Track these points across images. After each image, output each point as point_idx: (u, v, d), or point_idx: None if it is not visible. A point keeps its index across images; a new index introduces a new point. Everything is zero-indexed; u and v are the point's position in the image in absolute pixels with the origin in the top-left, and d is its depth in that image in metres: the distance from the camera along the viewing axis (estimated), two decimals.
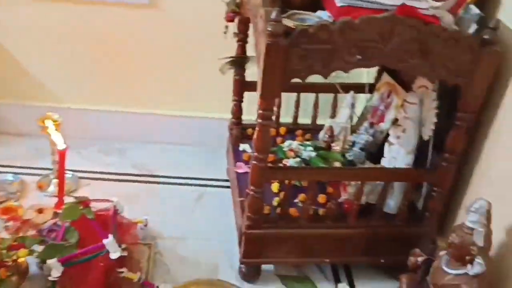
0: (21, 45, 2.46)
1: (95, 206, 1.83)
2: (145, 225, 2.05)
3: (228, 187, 2.33)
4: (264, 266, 1.88)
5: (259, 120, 1.58)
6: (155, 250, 1.97)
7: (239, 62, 2.07)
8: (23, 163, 2.42)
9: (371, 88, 2.14)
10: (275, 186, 1.92)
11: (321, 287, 1.87)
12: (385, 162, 1.83)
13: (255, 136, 1.63)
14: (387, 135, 1.87)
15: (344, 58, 1.46)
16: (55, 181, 2.28)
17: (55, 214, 2.03)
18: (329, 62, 1.46)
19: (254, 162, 1.64)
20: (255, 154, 1.63)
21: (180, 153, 2.58)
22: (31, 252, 1.77)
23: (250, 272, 1.85)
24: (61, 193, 2.13)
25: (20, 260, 1.78)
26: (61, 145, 2.09)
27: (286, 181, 1.83)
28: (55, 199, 2.17)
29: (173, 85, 2.52)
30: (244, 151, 2.14)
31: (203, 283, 1.77)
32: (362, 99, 2.25)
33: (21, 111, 2.58)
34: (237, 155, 2.12)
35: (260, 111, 1.56)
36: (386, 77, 2.04)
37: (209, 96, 2.51)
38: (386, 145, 1.83)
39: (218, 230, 2.10)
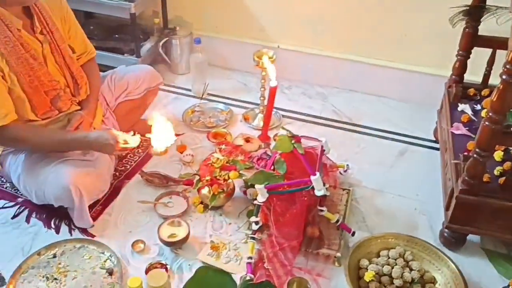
0: None
1: (304, 143, 1.87)
2: (345, 171, 2.05)
3: (433, 148, 2.20)
4: (470, 236, 1.74)
5: (504, 77, 1.40)
6: (353, 197, 1.96)
7: (475, 12, 1.87)
8: (232, 95, 2.60)
9: None
10: (498, 155, 1.74)
11: None
12: None
13: (493, 94, 1.46)
14: None
15: None
16: (260, 115, 2.40)
17: (260, 145, 2.14)
18: None
19: (487, 123, 1.49)
20: (490, 114, 1.47)
21: (383, 105, 2.50)
22: (240, 175, 1.90)
23: (454, 239, 1.73)
24: (266, 126, 2.23)
25: (229, 181, 1.91)
26: (273, 82, 2.16)
27: None
28: (259, 132, 2.29)
29: (386, 33, 2.41)
30: (463, 111, 1.97)
31: (403, 238, 1.71)
32: None
33: (235, 46, 2.74)
34: (454, 116, 1.96)
35: (509, 66, 1.38)
36: None
37: (425, 49, 2.35)
38: None
39: (419, 189, 2.00)
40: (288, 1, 2.52)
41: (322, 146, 1.85)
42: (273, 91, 2.14)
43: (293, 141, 1.81)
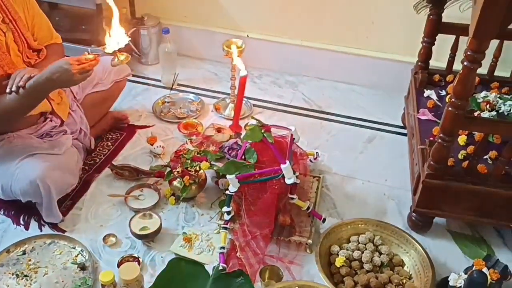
0: None
1: (274, 132, 1.88)
2: (315, 158, 2.07)
3: (401, 134, 2.24)
4: (436, 219, 1.78)
5: (466, 63, 1.44)
6: (323, 184, 1.98)
7: None
8: (203, 85, 2.58)
9: None
10: (461, 139, 1.78)
11: (498, 252, 1.73)
12: None
13: (456, 80, 1.50)
14: None
15: None
16: (231, 105, 2.39)
17: (231, 135, 2.14)
18: None
19: (450, 108, 1.52)
20: (453, 99, 1.51)
21: (352, 92, 2.53)
22: (211, 166, 1.90)
23: (421, 222, 1.77)
24: (237, 116, 2.23)
25: (200, 172, 1.91)
26: (243, 72, 2.15)
27: (477, 135, 1.67)
28: (230, 122, 2.29)
29: (353, 21, 2.43)
30: (428, 97, 2.01)
31: (372, 223, 1.74)
32: None
33: (204, 36, 2.72)
34: (420, 101, 2.00)
35: (470, 53, 1.42)
36: None
37: (391, 36, 2.39)
38: None
39: (388, 175, 2.03)
40: None
41: (291, 135, 1.86)
42: (243, 81, 2.14)
43: (263, 131, 1.82)
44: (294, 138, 1.87)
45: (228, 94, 2.43)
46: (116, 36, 1.67)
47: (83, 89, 2.09)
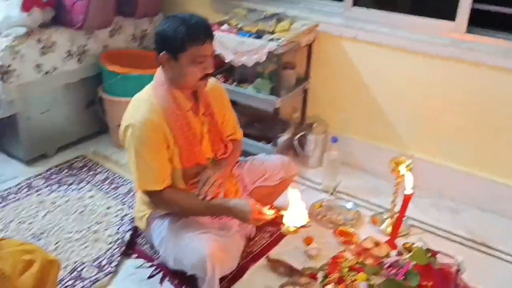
0: (384, 92, 2.70)
1: (439, 258, 1.83)
2: None
3: None
4: None
5: None
6: None
7: None
8: (361, 196, 2.64)
9: None
10: None
11: None
12: None
13: None
14: None
15: None
16: (389, 220, 2.39)
17: (389, 251, 2.12)
18: None
19: None
20: None
21: None
22: (368, 279, 1.89)
23: None
24: (395, 233, 2.22)
25: (355, 283, 1.91)
26: (409, 190, 2.17)
27: None
28: (386, 237, 2.28)
29: None
30: None
31: None
32: None
33: (369, 149, 2.82)
34: None
35: None
36: None
37: None
38: None
39: None
40: (428, 112, 2.58)
41: (458, 265, 1.80)
42: (407, 199, 2.15)
43: (429, 255, 1.79)
44: (459, 269, 1.81)
45: (387, 209, 2.45)
46: (298, 214, 1.87)
47: (254, 182, 2.28)
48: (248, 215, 1.87)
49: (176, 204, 1.96)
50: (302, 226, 1.85)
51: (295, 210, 1.86)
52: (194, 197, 1.96)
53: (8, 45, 2.50)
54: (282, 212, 1.87)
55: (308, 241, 2.24)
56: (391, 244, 2.19)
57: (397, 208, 2.26)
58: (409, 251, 1.95)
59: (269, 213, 1.89)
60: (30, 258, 1.70)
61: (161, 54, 1.87)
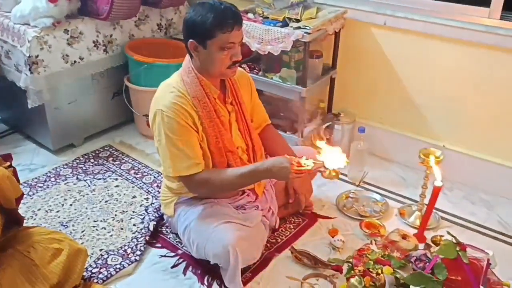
0: (414, 81, 2.62)
1: (468, 252, 1.76)
2: None
3: None
4: None
5: None
6: None
7: None
8: (389, 187, 2.57)
9: None
10: None
11: None
12: None
13: None
14: None
15: None
16: (418, 213, 2.33)
17: (417, 244, 2.06)
18: None
19: None
20: None
21: None
22: (394, 272, 1.84)
23: None
24: (423, 226, 2.15)
25: (381, 276, 1.86)
26: (438, 182, 2.10)
27: None
28: (414, 230, 2.21)
29: None
30: None
31: None
32: None
33: (398, 139, 2.74)
34: None
35: None
36: None
37: None
38: None
39: None
40: (461, 102, 2.49)
41: (488, 259, 1.73)
42: (436, 191, 2.08)
43: (458, 248, 1.72)
44: (490, 264, 1.73)
45: (416, 201, 2.38)
46: (338, 157, 1.82)
47: None
48: (288, 170, 1.79)
49: (211, 183, 1.91)
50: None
51: (332, 153, 1.81)
52: (227, 171, 1.91)
53: (35, 36, 2.53)
54: (320, 158, 1.81)
55: (333, 232, 2.20)
56: (419, 237, 2.12)
57: (426, 200, 2.19)
58: (438, 244, 1.88)
59: (308, 163, 1.80)
60: (59, 247, 1.74)
61: (189, 41, 1.85)
